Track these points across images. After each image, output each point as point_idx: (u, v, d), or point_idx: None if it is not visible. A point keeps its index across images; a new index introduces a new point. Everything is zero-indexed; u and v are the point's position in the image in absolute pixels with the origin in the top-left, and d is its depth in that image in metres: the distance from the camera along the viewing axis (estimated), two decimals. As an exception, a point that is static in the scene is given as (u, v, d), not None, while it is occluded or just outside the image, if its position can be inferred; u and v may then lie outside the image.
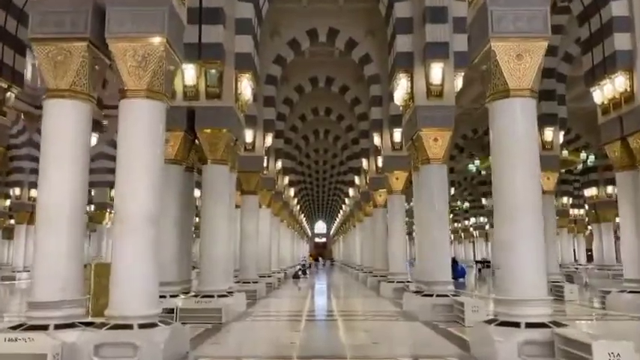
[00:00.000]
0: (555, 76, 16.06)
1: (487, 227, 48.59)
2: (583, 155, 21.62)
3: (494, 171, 6.73)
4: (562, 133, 16.30)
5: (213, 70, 10.71)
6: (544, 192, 15.94)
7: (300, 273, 28.93)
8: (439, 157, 10.79)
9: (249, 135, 15.97)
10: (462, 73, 11.24)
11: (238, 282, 15.60)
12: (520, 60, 6.40)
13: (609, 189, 28.82)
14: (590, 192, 30.83)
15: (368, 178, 21.12)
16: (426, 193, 10.85)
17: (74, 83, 6.48)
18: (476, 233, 54.89)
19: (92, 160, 27.55)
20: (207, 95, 10.82)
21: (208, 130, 10.78)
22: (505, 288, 6.27)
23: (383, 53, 16.50)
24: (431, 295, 10.40)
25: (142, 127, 6.42)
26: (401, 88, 11.38)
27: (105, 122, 26.54)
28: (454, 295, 10.34)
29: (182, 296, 10.53)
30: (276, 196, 22.92)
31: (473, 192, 44.20)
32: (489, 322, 6.32)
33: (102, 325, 5.99)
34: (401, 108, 12.23)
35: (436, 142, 10.79)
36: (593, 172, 29.21)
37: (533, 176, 6.50)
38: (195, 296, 10.43)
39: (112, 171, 27.39)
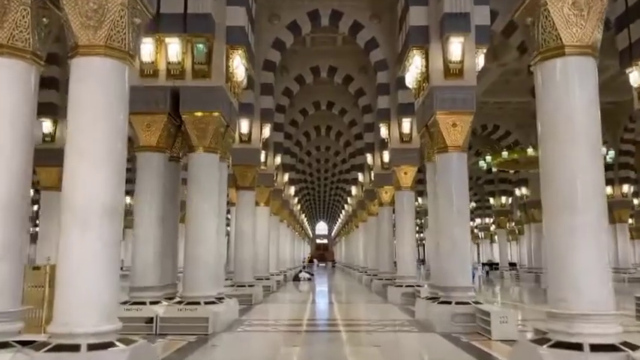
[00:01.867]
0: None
1: (492, 228, 47.39)
2: (602, 150, 20.15)
3: (543, 154, 5.40)
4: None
5: (201, 45, 9.37)
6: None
7: (300, 275, 27.57)
8: (458, 145, 9.44)
9: (244, 125, 14.63)
10: (484, 51, 9.88)
11: (232, 286, 14.28)
12: (577, 7, 5.03)
13: (625, 188, 27.49)
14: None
15: (372, 174, 19.78)
16: (443, 186, 9.50)
17: (12, 37, 5.13)
18: (481, 234, 53.55)
19: None
20: (193, 74, 9.48)
21: (196, 113, 9.43)
22: (559, 298, 4.91)
23: (390, 38, 15.25)
24: (449, 303, 9.04)
25: (98, 92, 5.08)
26: (414, 68, 10.03)
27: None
28: (476, 303, 8.98)
29: (164, 303, 9.18)
30: (275, 194, 21.56)
31: (478, 192, 42.75)
32: (539, 341, 4.96)
33: (42, 346, 4.64)
34: (413, 91, 10.88)
35: (455, 127, 9.43)
36: (609, 169, 27.75)
37: (594, 159, 5.13)
38: (179, 303, 9.09)
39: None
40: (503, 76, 20.92)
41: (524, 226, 30.72)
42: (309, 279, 28.07)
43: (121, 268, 25.27)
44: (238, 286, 14.13)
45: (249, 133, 14.73)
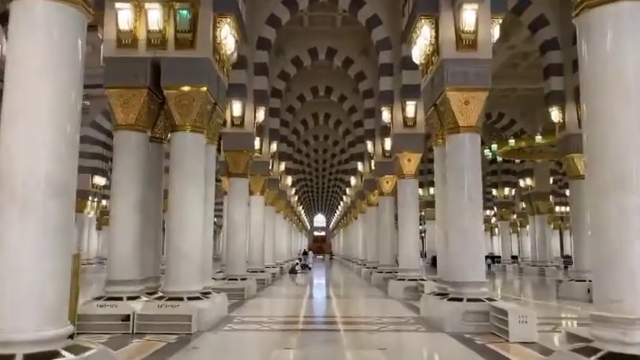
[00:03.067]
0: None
1: (493, 220, 46.57)
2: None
3: (589, 118, 4.49)
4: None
5: (185, 11, 8.38)
6: (580, 176, 13.84)
7: (297, 268, 26.72)
8: (471, 125, 8.49)
9: (236, 108, 13.65)
10: (500, 21, 8.90)
11: (224, 279, 13.37)
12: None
13: None
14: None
15: (373, 163, 18.85)
16: (454, 171, 8.56)
17: None
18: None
19: None
20: (177, 44, 8.50)
21: (179, 88, 8.45)
22: (612, 299, 3.97)
23: (393, 15, 14.24)
24: (460, 300, 8.12)
25: (42, 38, 4.10)
26: (422, 40, 9.05)
27: (87, 102, 24.36)
28: (490, 300, 8.07)
29: (144, 298, 8.26)
30: (271, 184, 20.64)
31: (480, 184, 41.82)
32: (584, 352, 4.02)
33: (-33, 356, 3.72)
34: (420, 67, 9.92)
35: (467, 105, 8.48)
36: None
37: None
38: (160, 298, 8.16)
39: (97, 156, 25.06)
40: (512, 59, 19.96)
41: (528, 218, 29.87)
42: (305, 271, 27.28)
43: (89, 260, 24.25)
44: (230, 279, 13.22)
45: (242, 117, 13.74)
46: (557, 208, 38.42)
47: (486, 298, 8.13)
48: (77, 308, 6.84)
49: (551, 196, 29.37)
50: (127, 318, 7.68)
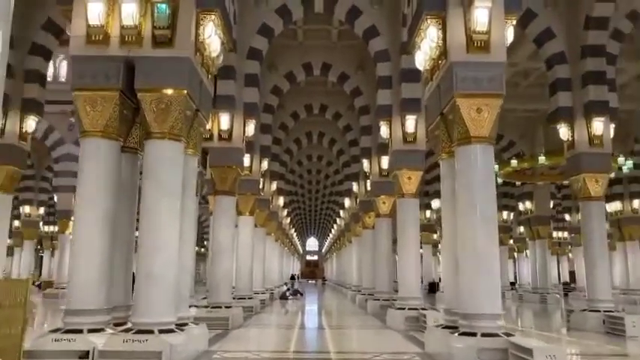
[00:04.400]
0: (605, 55, 12.97)
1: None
2: (621, 160, 18.46)
3: None
4: (612, 126, 13.16)
5: (164, 5, 7.46)
6: (592, 198, 12.93)
7: (288, 294, 25.45)
8: (484, 135, 7.58)
9: (224, 120, 12.71)
10: (514, 22, 8.07)
11: (207, 307, 12.21)
12: None
13: (635, 203, 25.76)
14: (613, 207, 27.89)
15: (369, 182, 17.92)
16: (465, 187, 7.59)
17: None
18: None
19: (56, 161, 24.93)
20: (154, 41, 7.57)
21: (157, 90, 7.49)
22: None
23: (392, 25, 13.55)
24: (473, 334, 7.07)
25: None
26: (428, 43, 8.18)
27: (72, 119, 23.37)
28: (508, 335, 7.02)
29: (108, 331, 7.12)
30: (262, 204, 19.58)
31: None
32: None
33: None
34: (425, 74, 9.07)
35: (480, 113, 7.57)
36: (617, 183, 25.98)
37: None
38: (127, 331, 7.03)
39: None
40: (512, 78, 19.26)
41: (528, 243, 28.88)
42: (297, 297, 26.08)
43: (34, 283, 22.88)
44: (213, 307, 12.06)
45: (230, 130, 12.78)
46: (554, 234, 37.63)
47: (504, 333, 7.08)
48: (24, 343, 5.73)
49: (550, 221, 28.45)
50: (85, 355, 6.56)
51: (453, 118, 7.83)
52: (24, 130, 12.41)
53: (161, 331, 6.96)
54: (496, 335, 6.98)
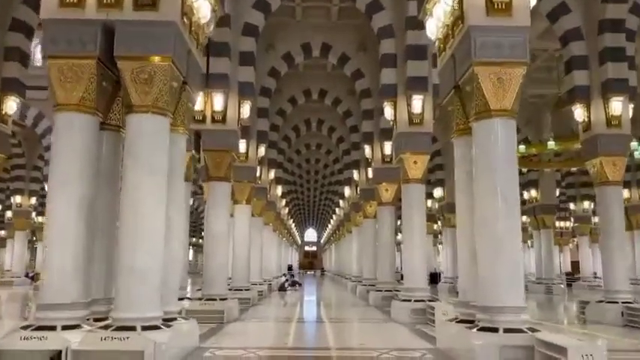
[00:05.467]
0: (624, 31, 12.15)
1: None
2: (634, 144, 17.64)
3: None
4: (631, 106, 12.36)
5: (145, -38, 6.63)
6: (609, 182, 12.18)
7: (287, 285, 24.76)
8: (506, 108, 6.79)
9: (218, 101, 11.87)
10: (536, -16, 7.23)
11: (200, 299, 11.47)
12: None
13: (644, 191, 25.12)
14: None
15: (371, 170, 17.18)
16: (484, 166, 6.82)
17: None
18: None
19: (47, 149, 24.06)
20: (135, 3, 6.73)
21: (139, 58, 6.66)
22: None
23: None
24: (494, 330, 6.33)
25: None
26: (442, 5, 7.37)
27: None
28: (533, 331, 6.28)
29: (85, 327, 6.36)
30: (259, 192, 18.80)
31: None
32: None
33: None
34: (437, 43, 8.25)
35: (501, 83, 6.78)
36: (625, 171, 25.17)
37: None
38: (106, 328, 6.26)
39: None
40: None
41: (532, 232, 28.17)
42: (295, 288, 25.45)
43: (27, 275, 22.11)
44: (207, 299, 11.31)
45: (224, 111, 11.96)
46: (556, 223, 36.97)
47: (528, 328, 6.34)
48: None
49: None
50: (57, 355, 5.79)
51: (470, 90, 7.03)
52: (4, 112, 11.58)
53: (144, 328, 6.19)
54: (520, 331, 6.24)
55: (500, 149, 6.72)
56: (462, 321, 7.25)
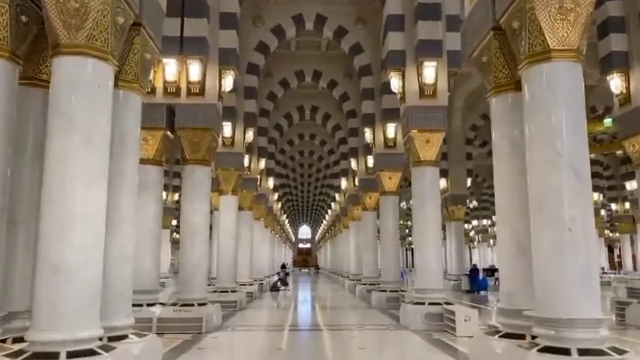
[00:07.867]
0: None
1: (490, 231, 43.50)
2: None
3: None
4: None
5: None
6: None
7: (279, 284, 22.94)
8: (572, 48, 4.99)
9: (194, 70, 9.93)
10: None
11: (175, 304, 9.62)
12: None
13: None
14: (630, 185, 25.72)
15: (371, 158, 15.49)
16: (543, 127, 5.01)
17: None
18: (478, 237, 49.30)
19: None
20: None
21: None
22: None
23: (375, 43, 14.05)
24: (565, 352, 4.54)
25: None
26: None
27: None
28: (620, 352, 4.49)
29: (-8, 354, 4.49)
30: (248, 184, 16.95)
31: (475, 191, 38.39)
32: None
33: None
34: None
35: (565, 15, 4.98)
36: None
37: None
38: (18, 355, 4.39)
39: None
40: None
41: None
42: (287, 288, 23.74)
43: None
44: (182, 305, 9.46)
45: (202, 82, 10.03)
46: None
47: (609, 348, 4.55)
48: None
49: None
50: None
51: (519, 27, 5.22)
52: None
53: (72, 355, 4.35)
54: (601, 353, 4.46)
55: (564, 102, 4.92)
56: (507, 335, 5.46)
